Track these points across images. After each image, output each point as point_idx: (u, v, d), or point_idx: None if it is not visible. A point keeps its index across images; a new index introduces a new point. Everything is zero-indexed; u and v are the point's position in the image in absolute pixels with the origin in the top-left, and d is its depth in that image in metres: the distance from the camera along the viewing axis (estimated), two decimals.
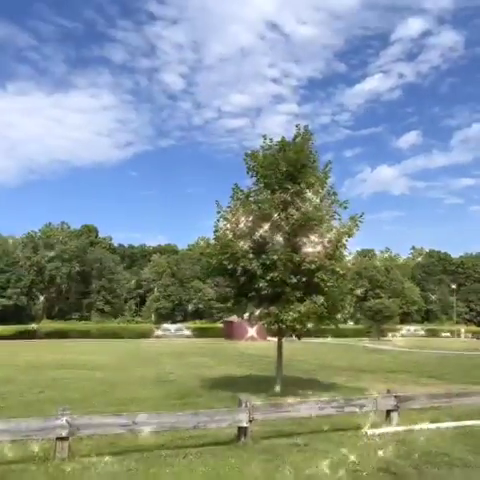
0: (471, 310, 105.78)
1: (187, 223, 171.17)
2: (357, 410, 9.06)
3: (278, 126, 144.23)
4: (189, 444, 7.78)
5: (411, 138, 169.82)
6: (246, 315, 14.18)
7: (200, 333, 61.24)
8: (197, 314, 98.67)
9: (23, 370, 19.95)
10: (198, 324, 75.85)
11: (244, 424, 7.86)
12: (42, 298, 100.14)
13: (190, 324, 73.14)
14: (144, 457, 7.02)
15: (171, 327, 64.08)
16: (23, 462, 6.67)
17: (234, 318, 45.91)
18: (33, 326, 61.93)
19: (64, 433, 6.84)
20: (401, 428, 8.88)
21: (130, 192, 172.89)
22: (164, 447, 7.60)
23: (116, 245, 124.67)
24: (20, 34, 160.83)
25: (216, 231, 14.26)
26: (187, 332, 61.25)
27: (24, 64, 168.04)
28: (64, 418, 6.86)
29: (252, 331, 50.94)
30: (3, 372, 19.13)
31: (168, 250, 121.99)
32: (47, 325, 67.33)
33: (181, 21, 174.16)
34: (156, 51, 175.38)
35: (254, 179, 14.38)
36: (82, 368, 20.93)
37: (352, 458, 6.97)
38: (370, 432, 8.47)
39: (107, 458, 6.88)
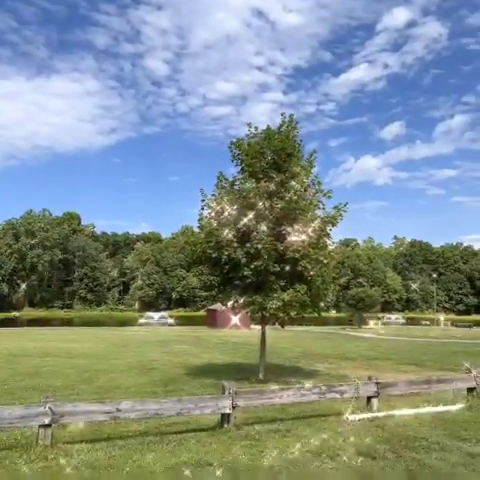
0: (450, 299, 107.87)
1: (171, 211, 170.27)
2: (338, 396, 9.22)
3: (263, 115, 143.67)
4: (173, 431, 7.84)
5: (395, 129, 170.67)
6: (230, 303, 14.24)
7: (184, 321, 61.31)
8: (181, 302, 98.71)
9: (5, 358, 19.78)
10: (182, 312, 75.95)
11: (227, 411, 7.95)
12: (23, 286, 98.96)
13: (174, 312, 73.16)
14: (127, 444, 7.05)
15: (155, 315, 64.02)
16: (5, 449, 6.65)
17: (218, 306, 46.11)
18: (14, 314, 61.30)
19: (47, 420, 6.83)
20: (381, 414, 9.07)
21: (113, 179, 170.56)
22: (148, 434, 7.64)
23: (99, 233, 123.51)
24: (0, 16, 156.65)
25: (200, 219, 14.23)
26: (171, 320, 61.27)
27: (4, 47, 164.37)
28: (47, 405, 6.85)
29: (235, 319, 51.15)
30: None
31: (152, 238, 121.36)
32: (29, 313, 66.77)
33: (166, 6, 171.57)
34: (140, 36, 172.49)
35: (239, 168, 14.35)
36: (65, 356, 20.83)
37: (333, 443, 7.11)
38: (351, 418, 8.64)
39: (90, 445, 6.90)
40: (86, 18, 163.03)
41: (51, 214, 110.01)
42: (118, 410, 7.32)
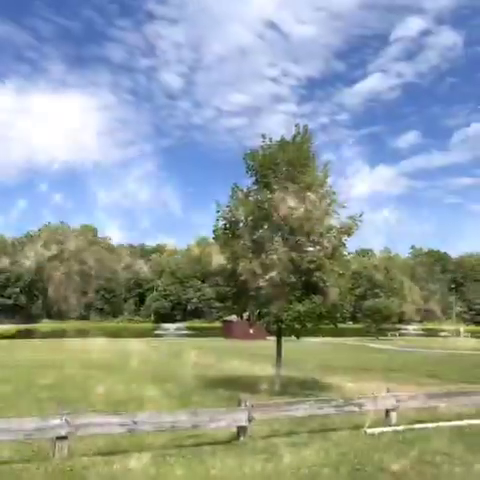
0: (470, 309, 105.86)
1: (187, 222, 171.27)
2: (356, 409, 9.07)
3: (277, 125, 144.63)
4: (188, 443, 7.79)
5: (410, 138, 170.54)
6: (246, 314, 14.19)
7: (199, 332, 61.36)
8: (196, 313, 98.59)
9: (23, 370, 19.95)
10: (197, 323, 75.91)
11: (243, 423, 7.88)
12: (41, 297, 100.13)
13: (189, 323, 73.18)
14: (143, 457, 7.02)
15: (171, 326, 64.29)
16: (23, 462, 6.68)
17: (234, 317, 45.68)
18: (33, 325, 61.95)
19: (63, 432, 6.84)
20: (400, 427, 8.89)
21: (130, 191, 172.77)
22: (163, 447, 7.60)
23: (115, 245, 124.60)
24: (19, 33, 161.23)
25: (215, 231, 14.26)
26: (186, 331, 61.33)
27: (23, 63, 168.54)
28: (63, 417, 6.87)
29: (252, 330, 50.93)
30: (3, 372, 19.14)
31: (167, 249, 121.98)
32: (46, 325, 67.34)
33: (180, 20, 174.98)
34: (155, 50, 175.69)
35: (253, 179, 14.37)
36: (82, 367, 20.93)
37: (351, 457, 6.98)
38: (369, 431, 8.49)
39: (106, 458, 6.89)
40: (102, 34, 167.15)
41: (69, 226, 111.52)
42: (134, 422, 7.31)
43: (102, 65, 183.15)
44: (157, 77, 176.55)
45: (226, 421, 7.89)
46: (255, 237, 13.27)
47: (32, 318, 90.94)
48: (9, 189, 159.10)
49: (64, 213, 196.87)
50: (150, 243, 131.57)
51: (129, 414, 7.57)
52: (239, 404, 8.01)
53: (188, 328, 63.83)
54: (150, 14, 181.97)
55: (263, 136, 14.36)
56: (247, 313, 14.09)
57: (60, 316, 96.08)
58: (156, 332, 60.88)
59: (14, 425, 6.76)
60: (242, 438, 7.89)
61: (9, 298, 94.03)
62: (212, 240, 15.04)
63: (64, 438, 6.87)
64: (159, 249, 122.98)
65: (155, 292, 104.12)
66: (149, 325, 70.32)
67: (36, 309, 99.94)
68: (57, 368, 20.58)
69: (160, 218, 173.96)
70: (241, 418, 7.87)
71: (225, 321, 56.57)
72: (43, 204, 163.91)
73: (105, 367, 21.31)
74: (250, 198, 14.07)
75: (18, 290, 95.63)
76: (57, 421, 6.85)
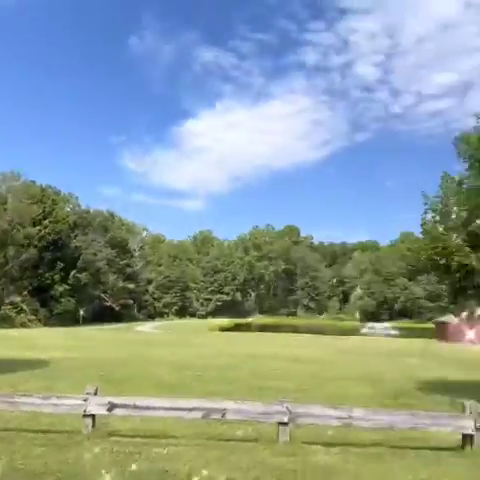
0: None
1: (388, 218, 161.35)
2: None
3: None
4: (406, 445, 7.46)
5: None
6: (464, 314, 14.86)
7: (408, 333, 58.77)
8: (404, 313, 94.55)
9: (244, 359, 21.79)
10: (406, 323, 72.87)
11: (469, 431, 7.22)
12: (253, 294, 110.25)
13: (397, 323, 71.50)
14: (360, 452, 7.00)
15: (377, 325, 64.55)
16: (252, 441, 7.44)
17: (449, 318, 45.78)
18: (248, 320, 68.69)
19: (285, 419, 7.20)
20: None
21: (329, 190, 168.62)
22: (380, 445, 7.45)
23: (317, 243, 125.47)
24: (224, 55, 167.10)
25: (424, 224, 13.30)
26: (394, 331, 60.25)
27: (228, 83, 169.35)
28: (285, 405, 7.29)
29: (471, 334, 46.79)
30: (228, 360, 21.37)
31: (369, 246, 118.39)
32: (260, 320, 74.11)
33: (374, 9, 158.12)
34: (348, 46, 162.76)
35: (467, 164, 12.85)
36: (295, 361, 21.67)
37: None
38: None
39: (324, 448, 7.12)
40: (296, 40, 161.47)
41: (273, 228, 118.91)
42: (350, 417, 7.27)
43: (297, 71, 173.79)
44: (351, 72, 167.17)
45: (449, 427, 7.39)
46: (471, 229, 12.40)
47: (247, 313, 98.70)
48: (222, 197, 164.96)
49: (269, 215, 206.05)
50: (351, 240, 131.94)
51: (346, 408, 7.49)
52: (463, 410, 7.38)
53: (395, 328, 62.10)
54: (342, 10, 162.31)
55: (478, 115, 12.88)
56: (465, 313, 14.57)
57: (271, 312, 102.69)
58: (362, 331, 60.68)
59: (244, 407, 7.42)
60: (469, 447, 7.22)
61: (227, 295, 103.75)
62: (420, 235, 14.61)
63: (285, 424, 7.22)
64: (360, 246, 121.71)
65: (359, 290, 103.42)
66: (354, 323, 71.27)
67: (249, 305, 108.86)
68: (273, 359, 22.35)
69: (360, 215, 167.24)
70: (466, 425, 7.24)
71: (438, 322, 54.60)
72: (250, 208, 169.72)
73: (316, 362, 22.31)
74: (463, 186, 12.92)
75: (234, 288, 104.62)
76: (279, 408, 7.25)
